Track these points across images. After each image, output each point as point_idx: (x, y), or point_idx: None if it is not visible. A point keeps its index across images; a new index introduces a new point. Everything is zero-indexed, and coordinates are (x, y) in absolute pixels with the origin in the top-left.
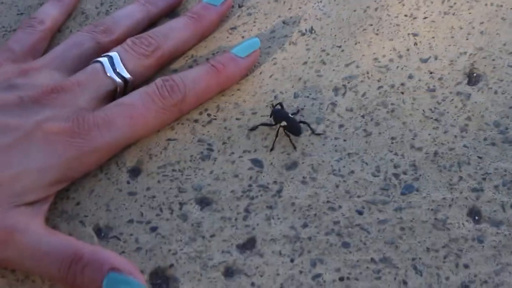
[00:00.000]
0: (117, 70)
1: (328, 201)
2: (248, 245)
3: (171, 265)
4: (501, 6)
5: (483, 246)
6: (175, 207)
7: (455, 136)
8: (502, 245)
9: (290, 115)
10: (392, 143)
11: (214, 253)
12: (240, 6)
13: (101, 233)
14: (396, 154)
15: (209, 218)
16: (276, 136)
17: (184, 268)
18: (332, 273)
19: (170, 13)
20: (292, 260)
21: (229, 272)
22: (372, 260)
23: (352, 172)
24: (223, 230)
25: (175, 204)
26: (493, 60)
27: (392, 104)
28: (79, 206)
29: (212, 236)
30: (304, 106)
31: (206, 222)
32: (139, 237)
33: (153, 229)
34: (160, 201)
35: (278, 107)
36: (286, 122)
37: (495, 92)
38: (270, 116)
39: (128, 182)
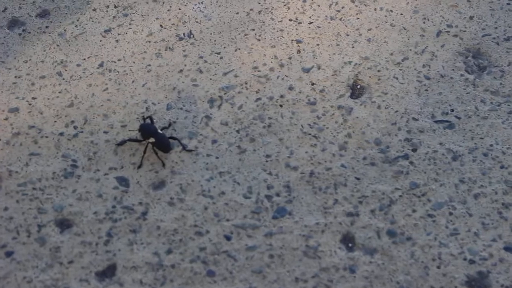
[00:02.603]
0: None
1: (195, 225)
2: (108, 273)
3: None
4: (391, 11)
5: (354, 277)
6: (33, 230)
7: (333, 155)
8: (374, 275)
9: (159, 130)
10: (267, 161)
11: (71, 281)
12: (116, 6)
13: None
14: (270, 173)
15: (69, 242)
16: (144, 152)
17: None
18: None
19: None
20: None
21: None
22: None
23: (223, 193)
24: (83, 256)
25: (33, 226)
26: (379, 71)
27: (269, 118)
28: None
29: (71, 262)
30: (177, 119)
31: (65, 246)
32: None
33: (9, 254)
34: (17, 222)
35: (148, 121)
36: (154, 138)
37: (378, 107)
38: (138, 131)
39: None
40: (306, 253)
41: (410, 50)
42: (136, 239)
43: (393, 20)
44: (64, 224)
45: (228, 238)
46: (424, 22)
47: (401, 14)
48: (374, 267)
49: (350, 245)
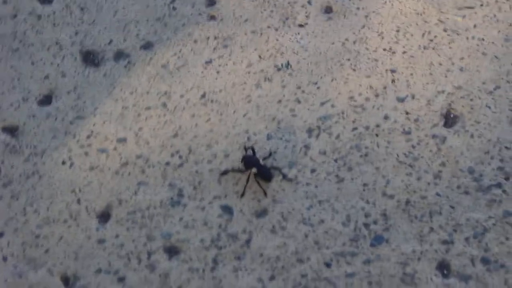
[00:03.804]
0: None
1: (296, 252)
2: None
3: None
4: (483, 39)
5: None
6: (143, 256)
7: (428, 184)
8: None
9: (261, 160)
10: (364, 190)
11: None
12: (215, 38)
13: (69, 282)
14: (367, 202)
15: (177, 268)
16: (247, 182)
17: None
18: None
19: None
20: None
21: None
22: None
23: (322, 221)
24: (190, 282)
25: (143, 253)
26: (471, 100)
27: (366, 147)
28: (48, 254)
29: None
30: (277, 148)
31: (174, 273)
32: None
33: (121, 279)
34: (128, 249)
35: (250, 151)
36: (257, 169)
37: (471, 136)
38: (241, 162)
39: (97, 229)
40: (403, 280)
41: (502, 78)
42: (240, 265)
43: (484, 48)
44: (172, 251)
45: (328, 265)
46: None
47: (493, 42)
48: None
49: (445, 272)
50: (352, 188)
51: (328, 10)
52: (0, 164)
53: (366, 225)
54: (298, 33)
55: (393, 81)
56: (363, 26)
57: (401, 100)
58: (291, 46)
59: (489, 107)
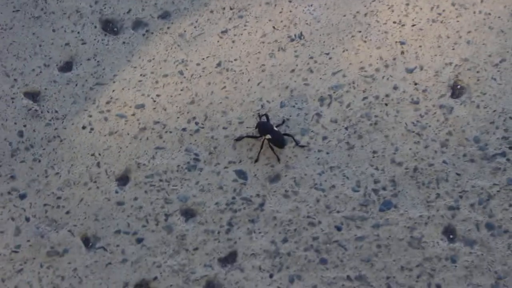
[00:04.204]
0: None
1: (308, 216)
2: (230, 259)
3: (155, 278)
4: (489, 14)
5: (455, 266)
6: (161, 219)
7: (435, 152)
8: (474, 265)
9: (275, 127)
10: (374, 157)
11: (196, 266)
12: (231, 8)
13: (89, 243)
14: (376, 168)
15: (193, 230)
16: (261, 148)
17: (167, 282)
18: None
19: None
20: (271, 276)
21: (210, 287)
22: (348, 277)
23: (333, 186)
24: (206, 244)
25: (161, 216)
26: (478, 72)
27: (375, 116)
28: (69, 215)
29: (196, 249)
30: (290, 116)
31: (190, 234)
32: (125, 249)
33: (139, 240)
34: (146, 212)
35: (264, 118)
36: (270, 135)
37: (477, 106)
38: (255, 128)
39: (116, 192)
40: (410, 243)
41: (508, 52)
42: (254, 228)
43: (491, 23)
44: (188, 214)
45: (338, 228)
46: None
47: (499, 17)
48: (474, 257)
49: (451, 236)
50: (362, 155)
51: None
52: (22, 128)
53: (375, 191)
54: (311, 5)
55: (402, 52)
56: None
57: (410, 71)
58: (304, 17)
59: (495, 79)
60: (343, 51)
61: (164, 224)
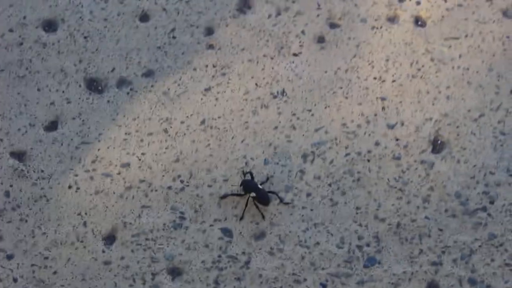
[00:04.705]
0: None
1: (293, 273)
2: None
3: None
4: (468, 69)
5: None
6: (148, 278)
7: (418, 207)
8: None
9: (259, 185)
10: (357, 213)
11: None
12: (214, 66)
13: None
14: (360, 225)
15: None
16: (246, 205)
17: None
18: None
19: None
20: None
21: None
22: None
23: (318, 243)
24: None
25: (148, 275)
26: (457, 127)
27: (358, 172)
28: (56, 275)
29: None
30: (274, 173)
31: None
32: None
33: None
34: (133, 271)
35: (248, 176)
36: (255, 193)
37: (458, 161)
38: (240, 186)
39: (103, 251)
40: None
41: (486, 107)
42: (241, 286)
43: (469, 78)
44: (175, 272)
45: (324, 285)
46: (498, 80)
47: (477, 72)
48: None
49: None
50: (346, 212)
51: (320, 39)
52: (9, 188)
53: (359, 247)
54: (293, 62)
55: (383, 108)
56: (354, 56)
57: (391, 127)
58: (286, 74)
59: (474, 134)
60: (325, 108)
61: (151, 283)
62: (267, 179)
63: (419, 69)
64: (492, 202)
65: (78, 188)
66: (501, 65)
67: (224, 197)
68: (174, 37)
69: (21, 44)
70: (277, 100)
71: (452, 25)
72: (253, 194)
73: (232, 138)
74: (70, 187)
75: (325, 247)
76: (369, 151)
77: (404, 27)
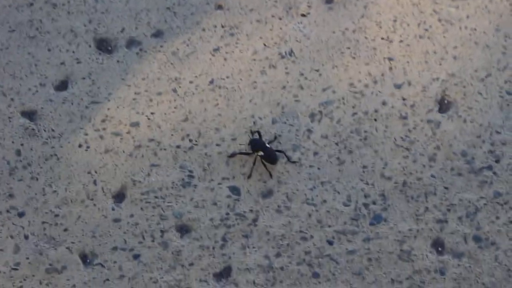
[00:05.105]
0: None
1: (300, 231)
2: (224, 274)
3: None
4: (475, 29)
5: (444, 278)
6: (157, 235)
7: (424, 166)
8: (462, 277)
9: (267, 144)
10: (364, 171)
11: (192, 282)
12: (223, 26)
13: (87, 260)
14: (366, 183)
15: (189, 246)
16: (254, 164)
17: None
18: None
19: None
20: None
21: None
22: None
23: (325, 201)
24: (201, 259)
25: (157, 232)
26: (464, 87)
27: (365, 131)
28: (67, 233)
29: (191, 264)
30: (281, 132)
31: (185, 250)
32: (122, 265)
33: (136, 256)
34: (142, 228)
35: (256, 135)
36: (263, 152)
37: (464, 121)
38: (248, 145)
39: (113, 209)
40: (400, 256)
41: (493, 67)
42: (248, 243)
43: (477, 38)
44: (183, 230)
45: (330, 242)
46: (505, 40)
47: (484, 32)
48: (462, 269)
49: (440, 249)
50: (352, 170)
51: (329, 0)
52: (20, 146)
53: (365, 205)
54: (301, 22)
55: (390, 68)
56: (362, 16)
57: (398, 86)
58: (294, 34)
59: (481, 94)
60: (333, 68)
61: (160, 240)
62: (275, 138)
63: (426, 30)
64: (497, 161)
65: (88, 147)
66: (508, 25)
67: (232, 155)
68: None
69: (32, 4)
70: (285, 60)
71: None
72: (261, 153)
73: (240, 97)
74: (80, 146)
75: (331, 205)
76: (376, 111)
77: None
